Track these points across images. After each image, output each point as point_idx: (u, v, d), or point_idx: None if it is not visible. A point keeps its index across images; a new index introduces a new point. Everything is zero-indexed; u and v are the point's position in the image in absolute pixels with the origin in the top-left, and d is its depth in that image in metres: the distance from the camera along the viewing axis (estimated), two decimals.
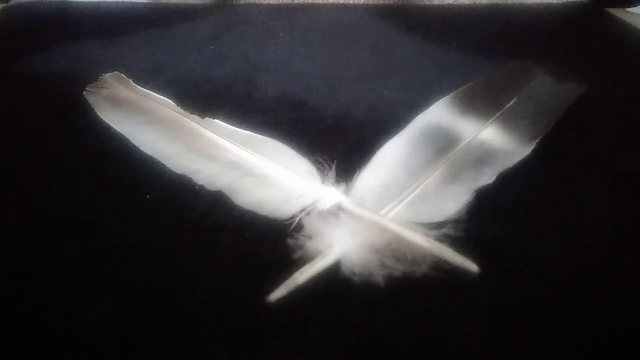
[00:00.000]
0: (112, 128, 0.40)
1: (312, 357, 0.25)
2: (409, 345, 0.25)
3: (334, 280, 0.27)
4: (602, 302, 0.27)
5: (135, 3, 0.68)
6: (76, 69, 0.50)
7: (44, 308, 0.27)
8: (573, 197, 0.34)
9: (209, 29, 0.60)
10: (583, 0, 0.67)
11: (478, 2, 0.69)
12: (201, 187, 0.34)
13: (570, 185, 0.35)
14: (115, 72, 0.46)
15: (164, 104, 0.41)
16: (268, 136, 0.38)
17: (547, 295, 0.27)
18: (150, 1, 0.69)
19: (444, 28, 0.61)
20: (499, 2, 0.69)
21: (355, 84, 0.48)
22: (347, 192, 0.33)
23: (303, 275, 0.27)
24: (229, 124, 0.39)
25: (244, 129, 0.39)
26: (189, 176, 0.35)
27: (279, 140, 0.37)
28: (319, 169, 0.35)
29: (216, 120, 0.39)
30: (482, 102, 0.40)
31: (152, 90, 0.43)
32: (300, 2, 0.70)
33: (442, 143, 0.37)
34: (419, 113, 0.40)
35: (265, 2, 0.69)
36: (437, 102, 0.41)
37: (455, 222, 0.30)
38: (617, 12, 0.64)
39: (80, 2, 0.67)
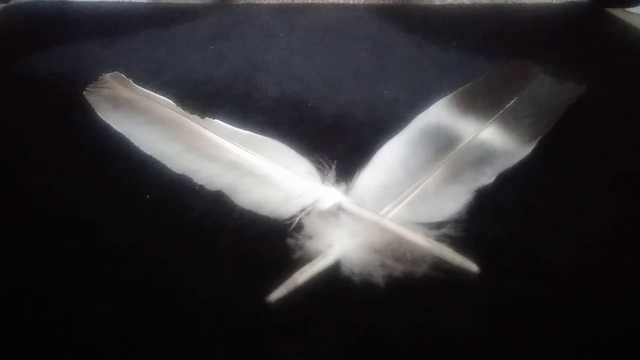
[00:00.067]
0: (112, 128, 0.40)
1: (312, 357, 0.25)
2: (409, 345, 0.25)
3: (334, 280, 0.27)
4: (602, 302, 0.27)
5: (135, 3, 0.68)
6: (76, 69, 0.50)
7: (44, 308, 0.27)
8: (573, 197, 0.34)
9: (209, 29, 0.60)
10: (583, 0, 0.67)
11: (478, 2, 0.69)
12: (201, 187, 0.34)
13: (570, 185, 0.35)
14: (115, 72, 0.46)
15: (164, 104, 0.41)
16: (268, 136, 0.38)
17: (547, 295, 0.27)
18: (150, 1, 0.69)
19: (444, 28, 0.61)
20: (499, 2, 0.69)
21: (355, 84, 0.48)
22: (347, 192, 0.33)
23: (303, 275, 0.27)
24: (229, 124, 0.39)
25: (244, 129, 0.39)
26: (189, 176, 0.35)
27: (279, 140, 0.37)
28: (319, 169, 0.35)
29: (216, 120, 0.39)
30: (482, 102, 0.40)
31: (152, 90, 0.43)
32: (300, 2, 0.70)
33: (442, 143, 0.37)
34: (419, 113, 0.40)
35: (265, 2, 0.69)
36: (437, 102, 0.41)
37: (455, 222, 0.30)
38: (617, 12, 0.64)
39: (80, 2, 0.67)
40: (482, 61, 0.51)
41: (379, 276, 0.27)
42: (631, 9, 0.64)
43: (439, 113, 0.40)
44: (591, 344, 0.25)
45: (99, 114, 0.41)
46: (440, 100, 0.41)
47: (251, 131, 0.38)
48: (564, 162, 0.37)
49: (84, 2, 0.67)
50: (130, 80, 0.45)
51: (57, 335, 0.25)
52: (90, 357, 0.25)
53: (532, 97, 0.41)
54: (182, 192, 0.34)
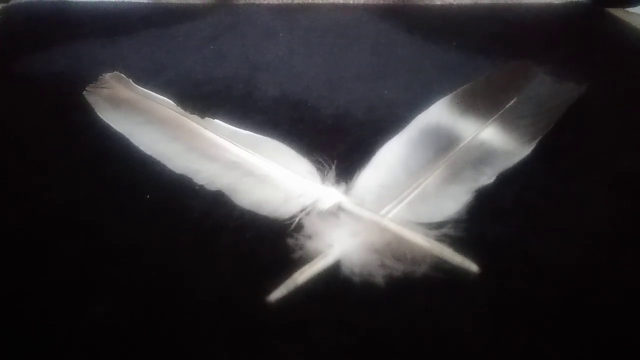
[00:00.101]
0: (112, 128, 0.40)
1: (312, 357, 0.25)
2: (409, 345, 0.25)
3: (334, 280, 0.27)
4: (602, 302, 0.27)
5: (135, 3, 0.68)
6: (76, 69, 0.50)
7: (44, 308, 0.27)
8: (573, 197, 0.34)
9: (209, 29, 0.60)
10: (583, 0, 0.67)
11: (478, 2, 0.69)
12: (201, 187, 0.34)
13: (570, 185, 0.35)
14: (115, 72, 0.46)
15: (164, 104, 0.41)
16: (268, 136, 0.38)
17: (547, 295, 0.27)
18: (150, 1, 0.69)
19: (444, 28, 0.61)
20: (499, 2, 0.69)
21: (355, 84, 0.48)
22: (347, 192, 0.33)
23: (303, 275, 0.27)
24: (229, 124, 0.39)
25: (244, 129, 0.39)
26: (189, 176, 0.35)
27: (279, 140, 0.37)
28: (319, 169, 0.35)
29: (216, 120, 0.39)
30: (482, 102, 0.40)
31: (152, 90, 0.43)
32: (300, 2, 0.70)
33: (442, 143, 0.37)
34: (419, 113, 0.40)
35: (265, 2, 0.69)
36: (437, 102, 0.41)
37: (455, 222, 0.30)
38: (617, 12, 0.64)
39: (80, 2, 0.67)
40: (482, 61, 0.51)
41: (379, 276, 0.27)
42: (631, 9, 0.64)
43: (439, 113, 0.40)
44: (591, 344, 0.25)
45: (98, 114, 0.41)
46: (440, 100, 0.41)
47: (251, 131, 0.38)
48: (564, 162, 0.37)
49: (84, 2, 0.67)
50: (130, 80, 0.45)
51: (57, 335, 0.25)
52: (90, 357, 0.24)
53: (532, 97, 0.41)
54: (182, 192, 0.34)
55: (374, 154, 0.36)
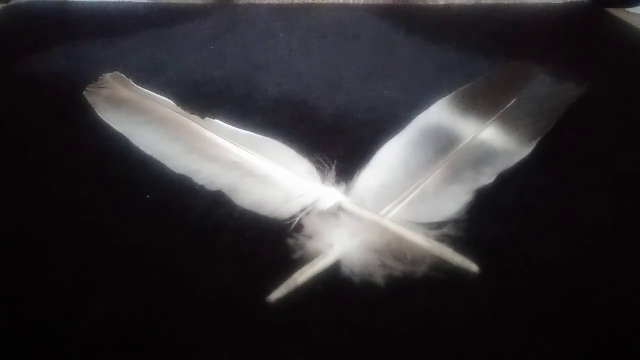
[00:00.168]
0: (112, 128, 0.40)
1: (312, 357, 0.25)
2: (409, 345, 0.25)
3: (334, 280, 0.27)
4: (602, 302, 0.27)
5: (135, 3, 0.68)
6: (76, 69, 0.50)
7: (44, 308, 0.27)
8: (573, 197, 0.34)
9: (209, 29, 0.60)
10: (583, 0, 0.67)
11: (478, 2, 0.69)
12: (201, 187, 0.34)
13: (570, 185, 0.35)
14: (115, 72, 0.46)
15: (164, 104, 0.41)
16: (268, 136, 0.38)
17: (547, 295, 0.27)
18: (150, 1, 0.69)
19: (444, 28, 0.61)
20: (499, 2, 0.69)
21: (355, 84, 0.48)
22: (347, 192, 0.33)
23: (303, 275, 0.27)
24: (229, 124, 0.39)
25: (244, 129, 0.39)
26: (189, 176, 0.35)
27: (279, 140, 0.37)
28: (319, 169, 0.35)
29: (216, 121, 0.39)
30: (482, 102, 0.40)
31: (152, 90, 0.43)
32: (300, 2, 0.70)
33: (442, 143, 0.37)
34: (419, 113, 0.40)
35: (265, 2, 0.69)
36: (437, 102, 0.41)
37: (455, 222, 0.30)
38: (617, 12, 0.64)
39: (80, 2, 0.68)
40: (482, 61, 0.51)
41: (379, 276, 0.27)
42: (631, 9, 0.64)
43: (439, 113, 0.40)
44: (591, 343, 0.25)
45: (98, 114, 0.41)
46: (440, 100, 0.41)
47: (251, 131, 0.38)
48: (564, 162, 0.37)
49: (84, 2, 0.67)
50: (130, 80, 0.45)
51: (57, 335, 0.25)
52: (90, 357, 0.24)
53: (532, 97, 0.41)
54: (182, 192, 0.34)
55: (374, 154, 0.36)
